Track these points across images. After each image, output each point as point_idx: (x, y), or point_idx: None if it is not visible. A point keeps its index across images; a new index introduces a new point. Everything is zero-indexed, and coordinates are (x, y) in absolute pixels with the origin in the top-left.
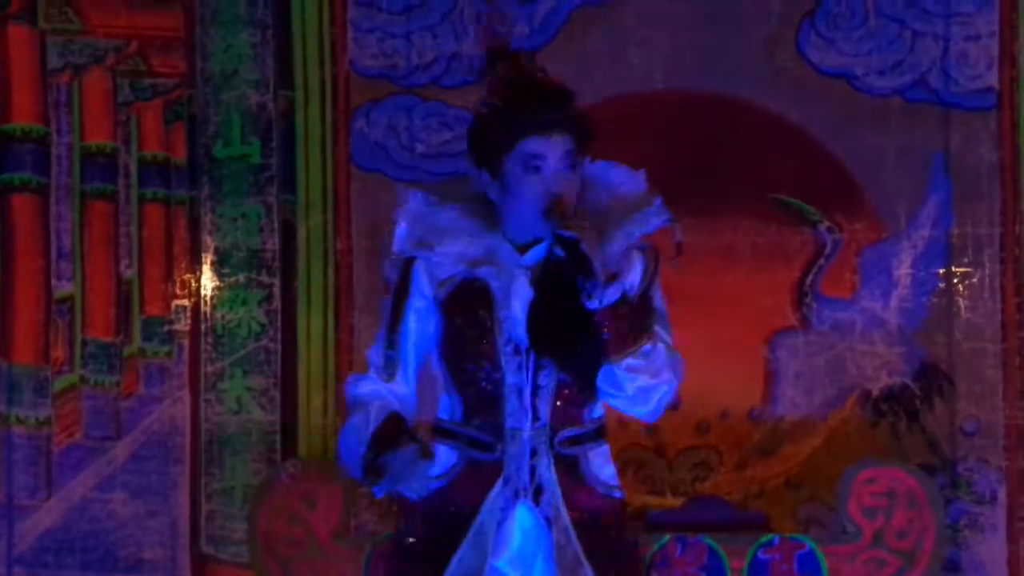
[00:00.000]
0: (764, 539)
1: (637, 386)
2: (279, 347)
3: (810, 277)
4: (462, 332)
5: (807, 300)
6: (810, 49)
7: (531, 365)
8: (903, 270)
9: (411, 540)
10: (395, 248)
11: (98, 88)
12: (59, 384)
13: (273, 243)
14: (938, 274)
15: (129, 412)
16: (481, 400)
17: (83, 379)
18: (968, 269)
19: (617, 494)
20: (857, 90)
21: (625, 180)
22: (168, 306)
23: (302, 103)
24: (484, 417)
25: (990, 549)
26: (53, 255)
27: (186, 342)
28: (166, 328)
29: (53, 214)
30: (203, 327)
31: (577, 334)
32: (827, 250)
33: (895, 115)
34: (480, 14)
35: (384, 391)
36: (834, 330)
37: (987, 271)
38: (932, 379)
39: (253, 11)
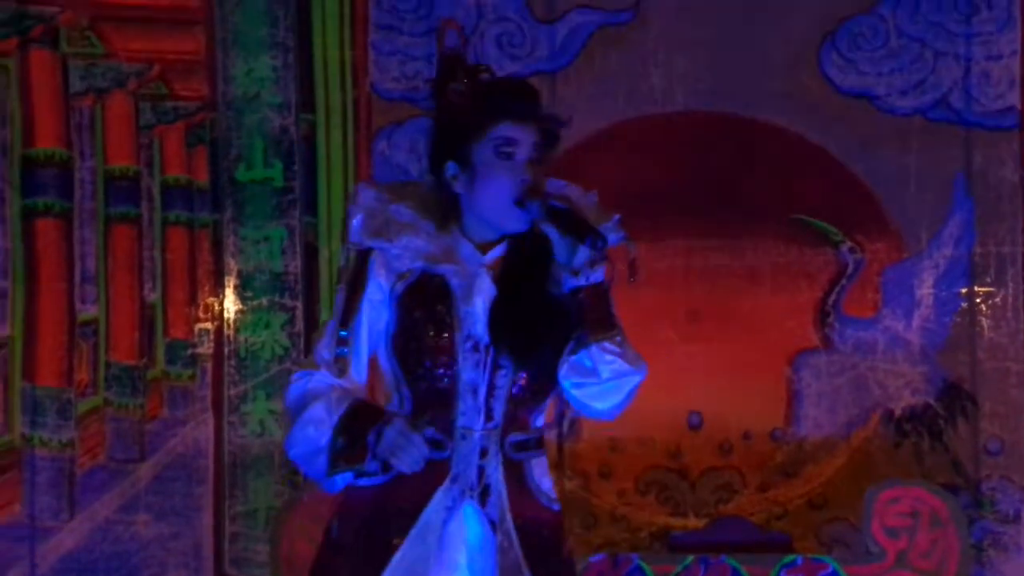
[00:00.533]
0: (787, 560)
1: (613, 369)
2: None
3: (832, 297)
4: (420, 326)
5: (829, 320)
6: (832, 69)
7: (489, 364)
8: (925, 290)
9: (344, 541)
10: (351, 239)
11: (120, 112)
12: (83, 407)
13: (296, 266)
14: (960, 294)
15: (152, 435)
16: (433, 397)
17: (107, 402)
18: (991, 288)
19: (556, 507)
20: (879, 110)
21: (579, 199)
22: (191, 329)
23: (324, 126)
24: (435, 414)
25: (1015, 568)
26: (77, 279)
27: (209, 365)
28: (189, 351)
29: (77, 238)
30: (226, 350)
31: (538, 334)
32: (849, 270)
33: (917, 135)
34: (499, 36)
35: (336, 384)
36: (856, 350)
37: (1010, 290)
38: (955, 399)
39: (275, 34)
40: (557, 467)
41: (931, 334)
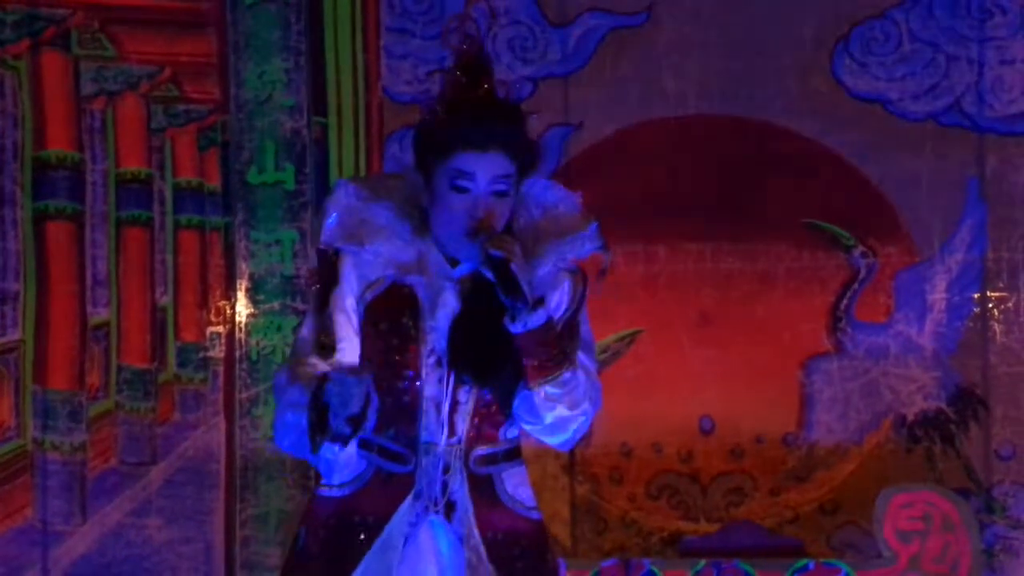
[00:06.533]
0: (799, 564)
1: (555, 415)
2: None
3: (844, 302)
4: (385, 338)
5: (841, 325)
6: (844, 74)
7: (451, 379)
8: (937, 295)
9: (310, 551)
10: (323, 239)
11: (132, 114)
12: (94, 410)
13: (307, 269)
14: (973, 299)
15: (164, 438)
16: (397, 410)
17: (118, 405)
18: (1003, 293)
19: (535, 515)
20: (891, 115)
21: (561, 201)
22: (203, 332)
23: (336, 129)
24: (399, 428)
25: None
26: (88, 282)
27: (221, 368)
28: (201, 354)
29: (88, 241)
30: (238, 353)
31: (498, 353)
32: (861, 275)
33: (929, 140)
34: (512, 39)
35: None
36: (868, 355)
37: (1022, 295)
38: (967, 403)
39: (287, 37)
40: (568, 472)
41: (943, 339)
